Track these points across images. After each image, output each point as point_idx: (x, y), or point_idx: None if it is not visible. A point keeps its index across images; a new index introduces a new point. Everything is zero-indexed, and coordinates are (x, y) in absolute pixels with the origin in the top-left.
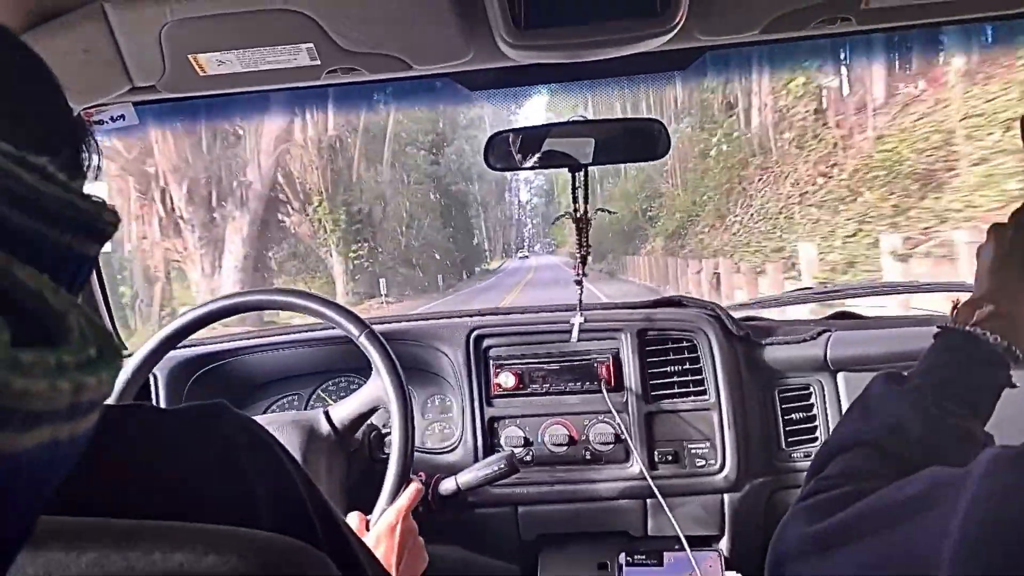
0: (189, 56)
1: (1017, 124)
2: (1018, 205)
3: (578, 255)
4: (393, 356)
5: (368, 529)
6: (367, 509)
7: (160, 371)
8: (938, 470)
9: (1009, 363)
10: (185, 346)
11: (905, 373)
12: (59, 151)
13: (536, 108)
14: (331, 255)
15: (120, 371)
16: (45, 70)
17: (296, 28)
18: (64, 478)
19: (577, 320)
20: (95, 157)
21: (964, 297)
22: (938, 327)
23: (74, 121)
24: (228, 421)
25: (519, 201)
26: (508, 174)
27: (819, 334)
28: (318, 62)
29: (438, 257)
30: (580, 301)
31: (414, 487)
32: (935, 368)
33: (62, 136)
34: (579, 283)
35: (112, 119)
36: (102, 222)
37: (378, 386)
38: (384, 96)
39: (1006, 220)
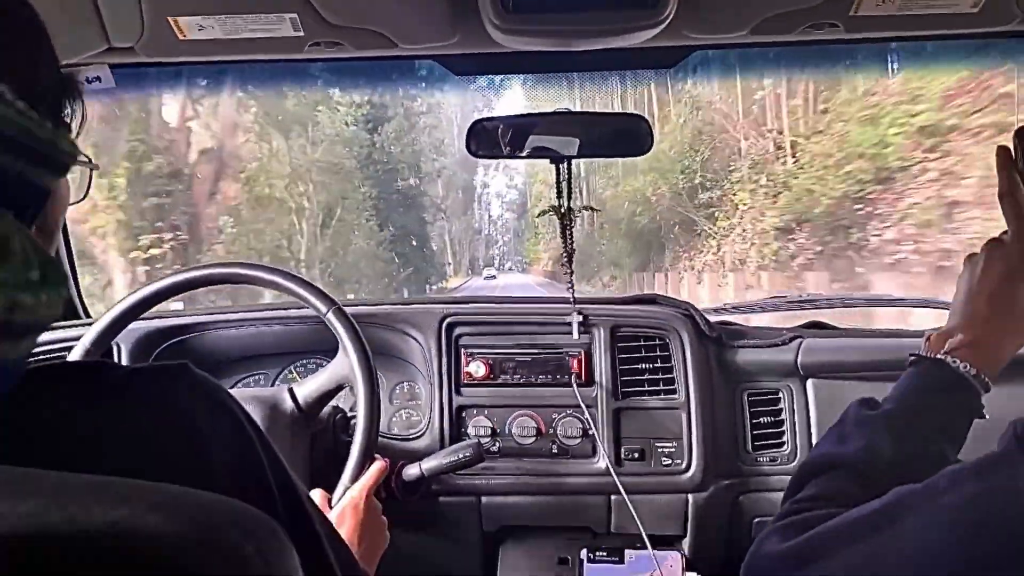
0: (169, 18)
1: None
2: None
3: (565, 252)
4: (361, 334)
5: (331, 506)
6: (330, 490)
7: (124, 342)
8: (901, 488)
9: (980, 391)
10: (150, 317)
11: (879, 399)
12: (41, 98)
13: (515, 100)
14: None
15: (64, 297)
16: (34, 16)
17: None
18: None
19: (576, 317)
20: (78, 112)
21: (934, 314)
22: (911, 355)
23: (60, 72)
24: (190, 382)
25: (489, 215)
26: (477, 183)
27: (791, 339)
28: (301, 33)
29: (365, 268)
30: (573, 297)
31: (378, 465)
32: (908, 394)
33: (44, 84)
34: (570, 280)
35: (88, 80)
36: (59, 152)
37: (344, 364)
38: (363, 78)
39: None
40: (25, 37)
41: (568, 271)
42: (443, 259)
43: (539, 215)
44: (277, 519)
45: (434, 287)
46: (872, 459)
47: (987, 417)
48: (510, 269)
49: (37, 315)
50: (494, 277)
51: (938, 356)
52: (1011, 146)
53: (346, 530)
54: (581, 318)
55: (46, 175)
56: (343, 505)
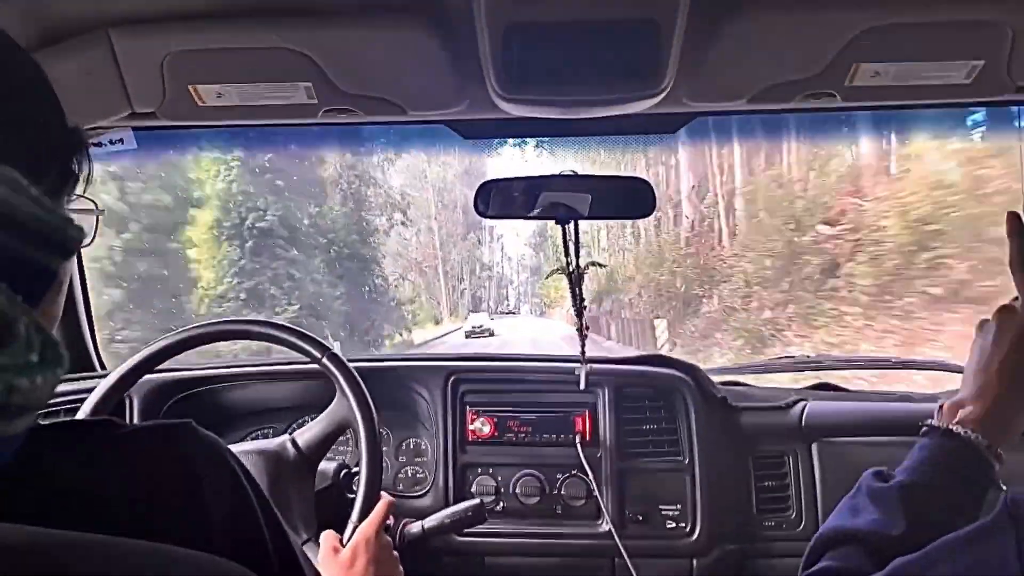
0: (189, 86)
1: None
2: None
3: (574, 309)
4: (356, 376)
5: (343, 545)
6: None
7: (136, 394)
8: (899, 561)
9: (992, 463)
10: (163, 371)
11: (892, 469)
12: (50, 167)
13: (510, 159)
14: None
15: (59, 378)
16: (46, 85)
17: (296, 67)
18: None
19: (584, 369)
20: (86, 169)
21: (943, 377)
22: (923, 424)
23: (68, 133)
24: (192, 440)
25: (503, 254)
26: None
27: (795, 403)
28: (315, 101)
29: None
30: (583, 352)
31: (385, 500)
32: (920, 467)
33: (54, 151)
34: (582, 335)
35: (111, 142)
36: (67, 238)
37: (343, 406)
38: (377, 141)
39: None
40: (34, 95)
41: (579, 327)
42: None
43: (547, 276)
44: (270, 572)
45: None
46: (885, 533)
47: (1004, 488)
48: (521, 312)
49: (33, 398)
50: (483, 333)
51: (950, 427)
52: (1022, 213)
53: (360, 565)
54: (588, 368)
55: (55, 258)
56: (355, 542)
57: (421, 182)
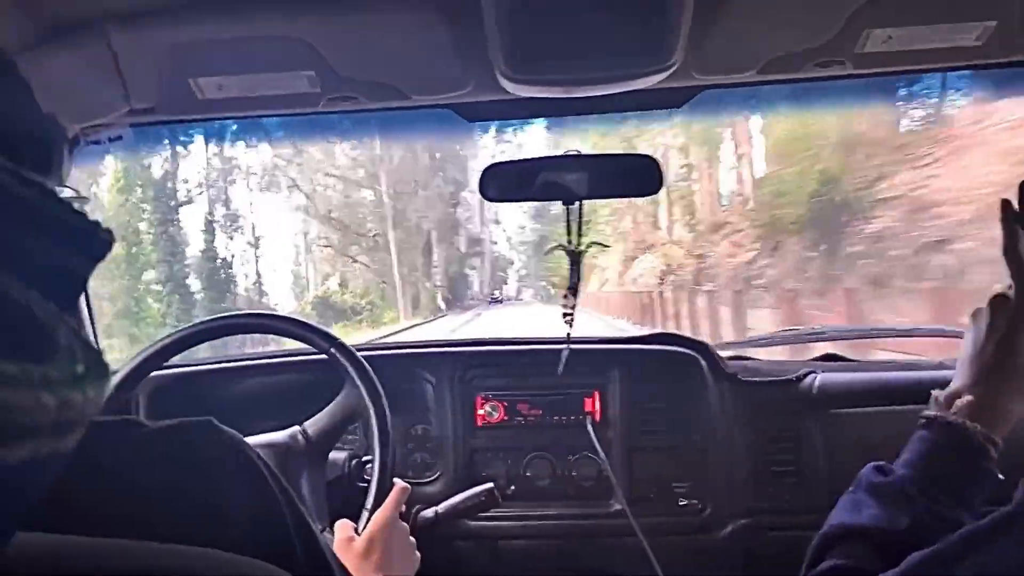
0: (189, 79)
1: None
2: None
3: (570, 289)
4: (365, 364)
5: (358, 534)
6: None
7: (142, 392)
8: (915, 556)
9: (992, 453)
10: (168, 367)
11: (890, 464)
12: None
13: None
14: None
15: (107, 389)
16: (16, 75)
17: (297, 56)
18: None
19: (565, 352)
20: (61, 162)
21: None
22: (921, 417)
23: (48, 127)
24: (214, 439)
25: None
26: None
27: (805, 375)
28: (318, 90)
29: None
30: (568, 335)
31: (400, 487)
32: (919, 460)
33: (35, 146)
34: (569, 317)
35: (110, 139)
36: (98, 240)
37: (352, 395)
38: (377, 125)
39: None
40: (26, 114)
41: (570, 305)
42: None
43: (547, 252)
44: (298, 571)
45: None
46: (886, 528)
47: (1002, 479)
48: (509, 300)
49: (84, 412)
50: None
51: (948, 418)
52: (1014, 199)
53: (376, 554)
54: (568, 352)
55: (86, 263)
56: (370, 530)
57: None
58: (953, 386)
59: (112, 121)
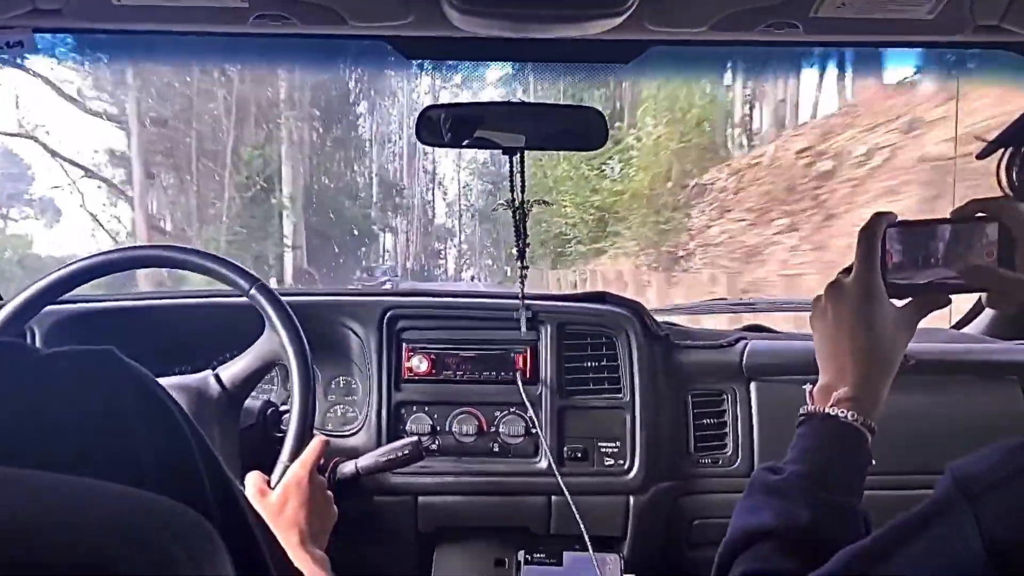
0: None
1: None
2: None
3: (516, 248)
4: (288, 308)
5: (271, 487)
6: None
7: (38, 326)
8: (844, 552)
9: (868, 437)
10: (68, 301)
11: (779, 464)
12: None
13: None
14: None
15: None
16: None
17: None
18: None
19: (524, 313)
20: None
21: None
22: (800, 414)
23: None
24: (117, 371)
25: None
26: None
27: (736, 341)
28: (246, 4)
29: None
30: (523, 292)
31: (318, 440)
32: (807, 453)
33: None
34: (522, 275)
35: (8, 44)
36: None
37: (272, 340)
38: (308, 60)
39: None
40: None
41: (520, 266)
42: None
43: (493, 210)
44: (209, 516)
45: None
46: (790, 526)
47: (873, 463)
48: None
49: None
50: None
51: (827, 411)
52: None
53: (291, 508)
54: (530, 314)
55: None
56: (286, 483)
57: None
58: (823, 380)
59: (12, 24)
